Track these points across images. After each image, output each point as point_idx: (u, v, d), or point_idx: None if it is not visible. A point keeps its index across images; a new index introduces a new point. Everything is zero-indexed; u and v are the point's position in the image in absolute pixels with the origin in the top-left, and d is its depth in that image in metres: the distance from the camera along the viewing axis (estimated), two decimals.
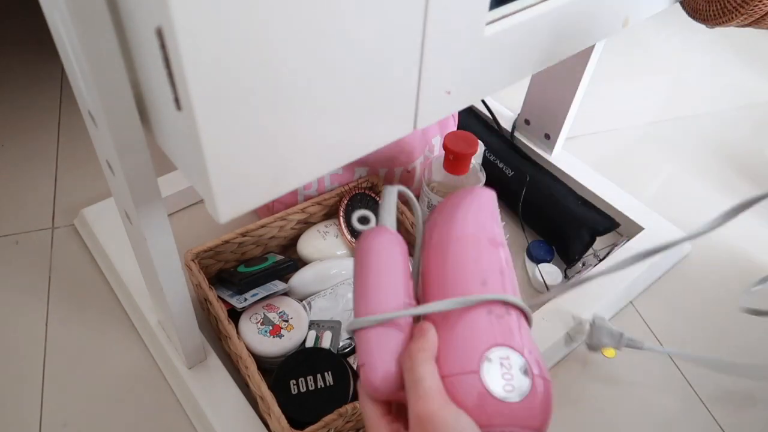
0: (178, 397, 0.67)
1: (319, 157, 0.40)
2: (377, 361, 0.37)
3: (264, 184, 0.38)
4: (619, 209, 0.87)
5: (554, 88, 0.89)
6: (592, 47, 0.81)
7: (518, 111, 0.98)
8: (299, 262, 0.75)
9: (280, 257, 0.74)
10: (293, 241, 0.80)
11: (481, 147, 0.86)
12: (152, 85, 0.36)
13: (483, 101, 0.99)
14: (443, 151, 0.74)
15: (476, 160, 0.82)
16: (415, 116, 0.45)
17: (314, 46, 0.34)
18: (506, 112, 1.02)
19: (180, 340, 0.62)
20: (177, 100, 0.33)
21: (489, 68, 0.47)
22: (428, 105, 0.45)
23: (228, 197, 0.37)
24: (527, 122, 0.96)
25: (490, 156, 0.92)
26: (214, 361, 0.66)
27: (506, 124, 0.99)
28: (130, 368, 0.70)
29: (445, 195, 0.75)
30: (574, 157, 0.95)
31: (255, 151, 0.36)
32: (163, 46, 0.31)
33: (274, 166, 0.38)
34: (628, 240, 0.83)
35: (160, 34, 0.30)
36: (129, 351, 0.71)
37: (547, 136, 0.94)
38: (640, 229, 0.85)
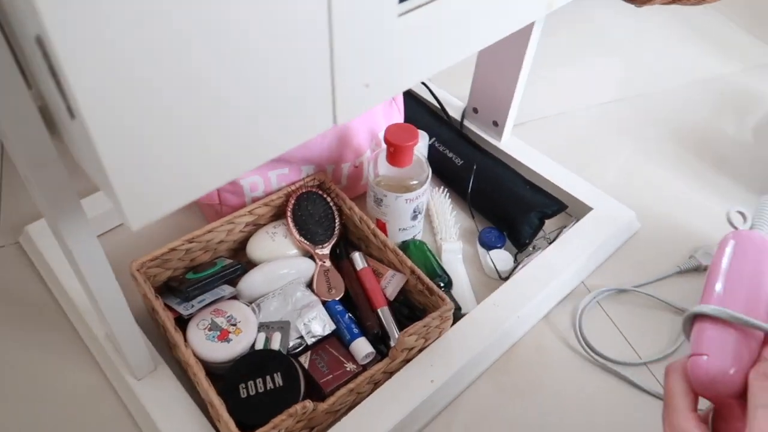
0: (130, 410, 0.66)
1: (234, 158, 0.40)
2: (724, 358, 0.37)
3: (175, 188, 0.38)
4: (567, 191, 0.88)
5: (498, 75, 0.90)
6: (530, 31, 0.81)
7: (467, 100, 0.98)
8: (249, 265, 0.75)
9: (229, 261, 0.74)
10: (243, 244, 0.79)
11: (424, 138, 0.86)
12: (49, 95, 0.36)
13: (431, 92, 0.99)
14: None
15: (421, 151, 0.83)
16: (333, 111, 0.44)
17: (211, 43, 0.34)
18: (455, 101, 1.02)
19: (126, 352, 0.61)
20: (69, 109, 0.32)
21: (407, 59, 0.47)
22: (346, 99, 0.44)
23: (137, 204, 0.36)
24: (475, 111, 0.97)
25: (439, 146, 0.92)
26: (165, 371, 0.65)
27: (456, 114, 1.00)
28: (80, 383, 0.69)
29: (392, 189, 0.75)
30: (524, 142, 0.96)
31: (159, 157, 0.35)
32: (45, 55, 0.30)
33: (184, 170, 0.37)
34: (577, 221, 0.84)
35: (40, 42, 0.29)
36: (79, 366, 0.70)
37: (495, 123, 0.95)
38: (588, 209, 0.86)
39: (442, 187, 0.91)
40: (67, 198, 0.44)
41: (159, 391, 0.64)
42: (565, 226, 0.84)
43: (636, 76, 1.21)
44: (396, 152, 0.72)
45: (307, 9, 0.37)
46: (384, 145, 0.74)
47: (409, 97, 1.00)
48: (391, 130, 0.72)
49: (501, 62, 0.88)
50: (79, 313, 0.71)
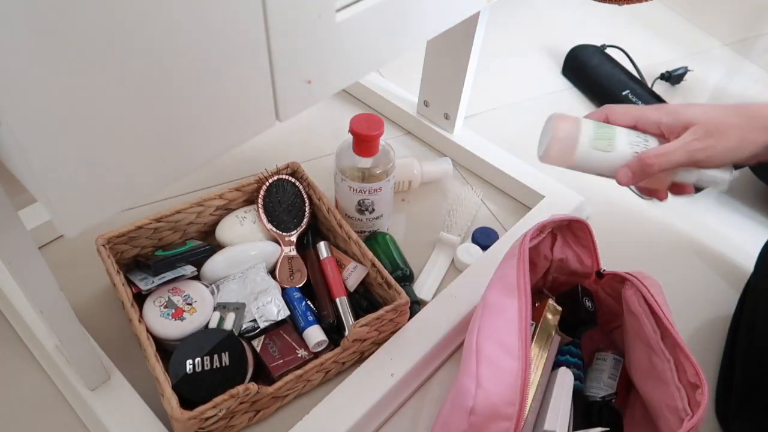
0: (84, 422, 0.64)
1: (175, 160, 0.39)
2: None
3: (113, 194, 0.37)
4: (520, 180, 0.89)
5: (446, 67, 0.90)
6: (476, 22, 0.82)
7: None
8: (219, 248, 0.74)
9: (198, 243, 0.73)
10: (214, 227, 0.78)
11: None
12: None
13: None
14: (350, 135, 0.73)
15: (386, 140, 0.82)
16: (275, 109, 0.44)
17: (145, 40, 0.33)
18: (407, 95, 1.03)
19: (77, 363, 0.60)
20: None
21: (348, 55, 0.47)
22: (288, 96, 0.44)
23: (72, 211, 0.35)
24: (426, 104, 0.97)
25: None
26: (119, 380, 0.64)
27: (410, 108, 1.00)
28: (30, 397, 0.66)
29: (357, 179, 0.75)
30: (476, 134, 0.97)
31: (93, 163, 0.34)
32: None
33: (121, 176, 0.36)
34: (530, 210, 0.85)
35: None
36: (28, 380, 0.68)
37: (447, 116, 0.95)
38: (540, 197, 0.87)
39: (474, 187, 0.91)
40: (1, 209, 0.43)
41: (113, 401, 0.62)
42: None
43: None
44: (362, 142, 0.72)
45: (241, 4, 0.37)
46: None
47: None
48: (356, 121, 0.72)
49: (449, 54, 0.88)
50: (26, 325, 0.69)
